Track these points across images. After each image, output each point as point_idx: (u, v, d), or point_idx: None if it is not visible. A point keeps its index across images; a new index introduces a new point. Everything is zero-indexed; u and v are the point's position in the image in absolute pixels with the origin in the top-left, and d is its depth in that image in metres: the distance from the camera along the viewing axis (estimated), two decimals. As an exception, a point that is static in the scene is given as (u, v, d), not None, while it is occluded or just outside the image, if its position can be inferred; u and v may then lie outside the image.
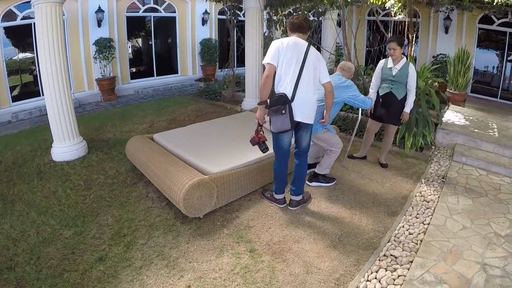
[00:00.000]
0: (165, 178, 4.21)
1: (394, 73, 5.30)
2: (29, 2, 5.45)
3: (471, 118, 8.19)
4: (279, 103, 3.96)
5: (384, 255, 3.62)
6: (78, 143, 6.04)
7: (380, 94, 5.51)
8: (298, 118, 4.05)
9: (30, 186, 5.06)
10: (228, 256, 3.58)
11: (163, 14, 13.51)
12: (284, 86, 4.01)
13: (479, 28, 11.72)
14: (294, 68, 3.96)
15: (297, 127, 4.18)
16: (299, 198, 4.48)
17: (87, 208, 4.47)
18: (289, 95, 3.98)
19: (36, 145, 6.65)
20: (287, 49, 3.96)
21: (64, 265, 3.44)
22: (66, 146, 5.90)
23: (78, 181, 5.18)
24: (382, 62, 5.58)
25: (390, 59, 5.40)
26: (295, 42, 4.00)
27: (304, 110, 4.05)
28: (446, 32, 11.94)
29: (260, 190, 4.89)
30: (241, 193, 4.65)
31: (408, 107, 5.40)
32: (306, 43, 4.07)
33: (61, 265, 3.45)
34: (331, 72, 5.12)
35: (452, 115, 8.21)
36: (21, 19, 9.63)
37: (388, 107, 5.47)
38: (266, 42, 9.17)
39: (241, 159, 4.67)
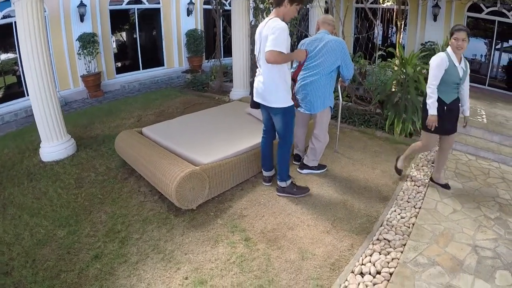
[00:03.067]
0: (156, 171, 4.20)
1: (461, 75, 4.22)
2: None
3: (459, 104, 8.26)
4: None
5: (378, 239, 3.67)
6: (66, 141, 5.98)
7: (447, 102, 4.31)
8: (257, 99, 4.26)
9: (21, 189, 5.00)
10: (224, 246, 3.60)
11: (147, 5, 13.32)
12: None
13: (468, 16, 11.78)
14: (256, 52, 4.15)
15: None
16: (283, 184, 4.48)
17: (79, 207, 4.45)
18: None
19: (24, 147, 6.56)
20: (257, 36, 4.10)
21: (60, 266, 3.43)
22: (54, 145, 5.83)
23: (68, 180, 5.13)
24: (443, 58, 4.17)
25: (453, 55, 4.17)
26: (261, 25, 4.03)
27: (260, 92, 4.17)
28: (435, 19, 11.96)
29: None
30: (233, 183, 4.65)
31: (468, 111, 4.58)
32: (267, 20, 3.96)
33: (57, 266, 3.44)
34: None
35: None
36: (1, 18, 9.43)
37: (456, 116, 4.48)
38: (253, 31, 9.12)
39: (231, 149, 4.66)
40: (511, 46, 11.72)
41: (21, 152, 6.32)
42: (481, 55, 12.27)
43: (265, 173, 4.79)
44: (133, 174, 5.13)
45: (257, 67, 4.22)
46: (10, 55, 10.21)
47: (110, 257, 3.50)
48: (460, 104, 4.48)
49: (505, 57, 11.86)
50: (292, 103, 4.17)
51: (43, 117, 5.68)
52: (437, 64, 4.16)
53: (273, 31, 3.75)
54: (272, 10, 4.07)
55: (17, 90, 10.24)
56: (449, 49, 4.19)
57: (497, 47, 11.74)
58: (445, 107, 4.29)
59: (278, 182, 4.51)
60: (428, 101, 4.25)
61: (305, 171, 5.07)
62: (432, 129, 4.29)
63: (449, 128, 4.44)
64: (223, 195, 4.52)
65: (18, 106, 9.82)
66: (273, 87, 4.04)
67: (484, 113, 7.79)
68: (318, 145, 4.92)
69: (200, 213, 4.14)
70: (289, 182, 4.49)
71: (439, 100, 4.25)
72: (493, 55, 11.86)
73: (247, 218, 4.04)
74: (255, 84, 4.25)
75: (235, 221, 3.99)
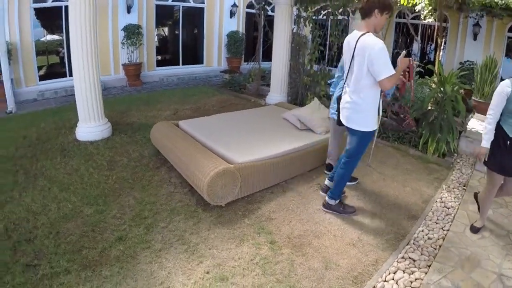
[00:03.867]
0: (190, 164, 4.26)
1: None
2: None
3: (496, 128, 8.09)
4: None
5: (403, 257, 3.61)
6: (103, 124, 6.13)
7: (510, 134, 3.67)
8: (341, 118, 4.09)
9: (53, 163, 5.15)
10: (248, 246, 3.59)
11: (192, 4, 13.61)
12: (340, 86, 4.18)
13: (508, 37, 11.59)
14: (345, 69, 3.96)
15: None
16: (332, 202, 4.32)
17: (109, 188, 4.53)
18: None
19: (61, 124, 6.75)
20: (345, 48, 3.94)
21: (83, 242, 3.50)
22: (91, 126, 5.98)
23: (101, 161, 5.24)
24: (504, 85, 3.61)
25: None
26: (352, 38, 3.80)
27: (344, 113, 4.00)
28: (475, 39, 11.75)
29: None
30: (264, 185, 4.64)
31: None
32: (359, 34, 3.68)
33: (80, 241, 3.51)
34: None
35: (477, 124, 8.10)
36: (52, 1, 9.79)
37: None
38: (295, 38, 9.14)
39: (265, 152, 4.68)
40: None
41: (57, 129, 6.51)
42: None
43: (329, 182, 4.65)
44: (165, 164, 5.19)
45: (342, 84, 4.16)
46: (56, 37, 10.64)
47: (134, 241, 3.55)
48: None
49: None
50: (375, 128, 3.96)
51: (83, 97, 5.85)
52: (497, 91, 3.65)
53: (376, 54, 3.52)
54: (361, 22, 3.78)
55: (59, 70, 10.63)
56: None
57: (537, 70, 11.51)
58: (508, 142, 3.69)
59: (327, 199, 4.35)
60: (483, 131, 3.80)
61: (336, 180, 5.00)
62: (482, 162, 3.84)
63: (508, 168, 3.78)
64: (252, 196, 4.52)
65: (59, 85, 10.16)
66: (361, 110, 3.86)
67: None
68: None
69: (228, 211, 4.16)
70: (337, 200, 4.34)
71: (502, 131, 3.72)
72: (535, 77, 11.60)
73: (274, 222, 4.03)
74: (342, 104, 4.04)
75: (262, 223, 3.99)
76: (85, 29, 5.58)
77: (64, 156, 5.38)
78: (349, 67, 3.86)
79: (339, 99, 4.15)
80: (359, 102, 3.82)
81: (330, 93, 5.12)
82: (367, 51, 3.55)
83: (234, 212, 4.15)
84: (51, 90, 9.89)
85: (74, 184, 4.58)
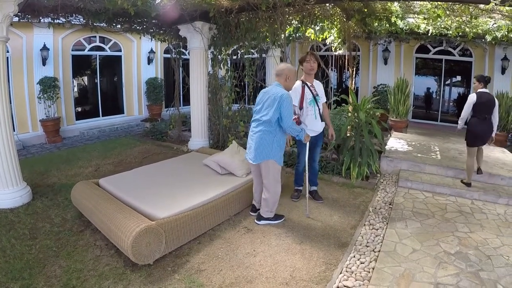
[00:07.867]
0: (112, 225, 4.12)
1: None
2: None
3: (413, 143, 8.57)
4: None
5: (337, 287, 3.66)
6: (22, 189, 5.84)
7: None
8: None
9: (-28, 237, 4.82)
10: (181, 303, 3.51)
11: (109, 52, 13.41)
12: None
13: (417, 58, 12.51)
14: None
15: None
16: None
17: (33, 259, 4.29)
18: None
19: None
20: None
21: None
22: (9, 192, 5.68)
23: (23, 230, 4.97)
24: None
25: None
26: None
27: None
28: (385, 63, 12.56)
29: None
30: (190, 237, 4.57)
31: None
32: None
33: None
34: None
35: (395, 142, 8.52)
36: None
37: None
38: (211, 81, 9.26)
39: (188, 203, 4.64)
40: (459, 80, 12.62)
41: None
42: (432, 92, 13.03)
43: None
44: (89, 226, 5.00)
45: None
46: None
47: (63, 316, 3.37)
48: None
49: (454, 91, 12.79)
50: None
51: (-2, 162, 5.57)
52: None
53: None
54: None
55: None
56: None
57: (446, 82, 12.58)
58: None
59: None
60: None
61: (262, 222, 5.06)
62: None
63: None
64: (180, 249, 4.43)
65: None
66: None
67: (437, 149, 8.14)
68: (268, 195, 4.93)
69: (157, 268, 4.05)
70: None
71: None
72: (443, 90, 12.65)
73: (204, 273, 3.97)
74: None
75: (192, 276, 3.91)
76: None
77: (-16, 228, 5.06)
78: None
79: None
80: None
81: None
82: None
83: (163, 269, 4.05)
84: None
85: (-4, 258, 4.32)
